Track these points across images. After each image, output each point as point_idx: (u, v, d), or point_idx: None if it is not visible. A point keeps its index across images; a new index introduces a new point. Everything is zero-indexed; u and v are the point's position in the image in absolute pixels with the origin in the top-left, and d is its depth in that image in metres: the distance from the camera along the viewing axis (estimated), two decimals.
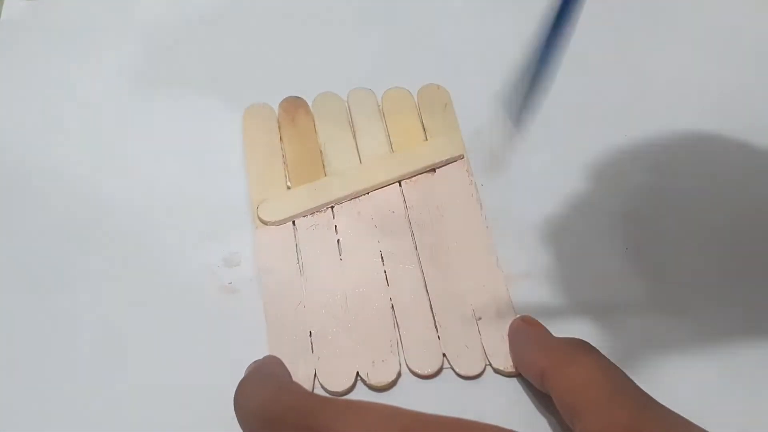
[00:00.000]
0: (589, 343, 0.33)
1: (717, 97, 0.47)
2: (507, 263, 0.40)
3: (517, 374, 0.36)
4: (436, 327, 0.37)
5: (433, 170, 0.43)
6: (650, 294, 0.39)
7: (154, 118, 0.45)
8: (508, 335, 0.36)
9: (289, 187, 0.42)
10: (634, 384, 0.30)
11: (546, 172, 0.43)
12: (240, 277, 0.39)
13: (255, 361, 0.34)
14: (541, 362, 0.33)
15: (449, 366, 0.36)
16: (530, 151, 0.44)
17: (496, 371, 0.36)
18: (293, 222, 0.41)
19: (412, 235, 0.40)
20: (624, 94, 0.47)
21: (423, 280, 0.39)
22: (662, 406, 0.29)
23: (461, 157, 0.43)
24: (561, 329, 0.36)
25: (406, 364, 0.36)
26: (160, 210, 0.41)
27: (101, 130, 0.44)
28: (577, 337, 0.34)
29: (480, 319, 0.38)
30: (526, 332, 0.35)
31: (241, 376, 0.34)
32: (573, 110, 0.46)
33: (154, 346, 0.37)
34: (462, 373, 0.36)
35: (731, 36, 0.50)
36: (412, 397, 0.35)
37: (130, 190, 0.42)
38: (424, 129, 0.45)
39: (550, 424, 0.35)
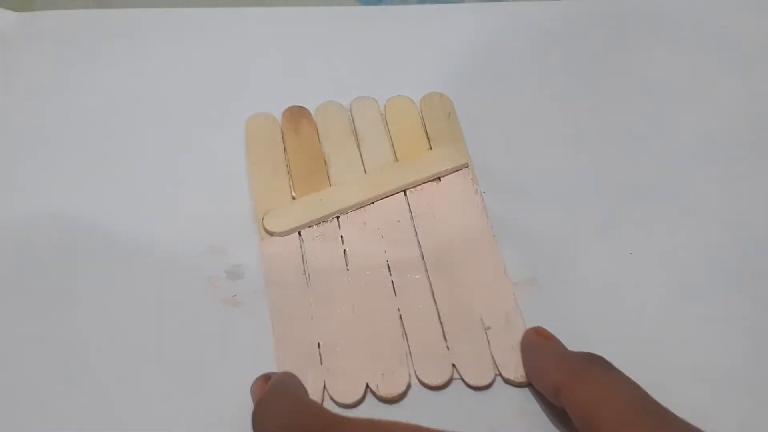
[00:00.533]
0: (604, 358, 0.33)
1: (717, 102, 0.47)
2: (513, 271, 0.40)
3: (527, 384, 0.36)
4: (444, 337, 0.37)
5: (438, 179, 0.43)
6: (656, 299, 0.39)
7: (155, 129, 0.45)
8: (521, 347, 0.36)
9: (293, 198, 0.42)
10: (655, 400, 0.30)
11: (550, 179, 0.43)
12: (244, 289, 0.39)
13: (264, 375, 0.34)
14: (556, 377, 0.33)
15: (459, 376, 0.36)
16: (534, 158, 0.44)
17: (507, 381, 0.36)
18: (299, 233, 0.41)
19: (419, 244, 0.40)
20: (627, 99, 0.47)
21: (431, 289, 0.39)
22: (685, 422, 0.29)
23: (466, 165, 0.43)
24: (568, 335, 0.36)
25: (416, 375, 0.36)
26: (162, 223, 0.41)
27: (103, 142, 0.44)
28: (579, 338, 0.35)
29: (489, 328, 0.37)
30: (541, 345, 0.35)
31: (246, 388, 0.34)
32: (577, 116, 0.46)
33: (158, 358, 0.37)
34: (472, 383, 0.36)
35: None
36: (422, 409, 0.35)
37: (132, 201, 0.42)
38: (428, 138, 0.44)
39: None
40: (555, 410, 0.35)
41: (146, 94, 0.46)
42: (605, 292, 0.39)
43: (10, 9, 0.50)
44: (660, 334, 0.38)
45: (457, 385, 0.36)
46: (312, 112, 0.45)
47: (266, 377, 0.34)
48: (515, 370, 0.36)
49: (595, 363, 0.32)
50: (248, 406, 0.33)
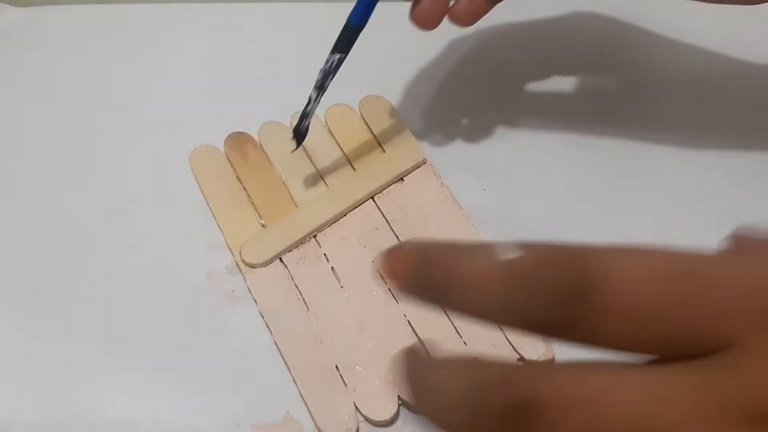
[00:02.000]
0: None
1: (718, 101, 0.46)
2: None
3: (552, 360, 0.36)
4: (458, 333, 0.37)
5: (401, 179, 0.42)
6: None
7: (159, 123, 0.45)
8: None
9: (263, 225, 0.40)
10: None
11: (548, 175, 0.43)
12: (243, 285, 0.39)
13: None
14: None
15: None
16: (532, 155, 0.44)
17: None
18: (280, 259, 0.39)
19: None
20: (622, 94, 0.46)
21: None
22: None
23: (424, 162, 0.43)
24: None
25: None
26: (162, 219, 0.41)
27: (105, 137, 0.44)
28: None
29: None
30: None
31: (245, 380, 0.35)
32: (574, 111, 0.46)
33: (158, 352, 0.37)
34: None
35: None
36: None
37: (132, 196, 0.42)
38: (377, 141, 0.44)
39: None
40: None
41: (147, 89, 0.45)
42: None
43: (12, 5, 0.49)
44: None
45: None
46: (254, 135, 0.44)
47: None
48: (536, 348, 0.36)
49: None
50: (247, 397, 0.35)
